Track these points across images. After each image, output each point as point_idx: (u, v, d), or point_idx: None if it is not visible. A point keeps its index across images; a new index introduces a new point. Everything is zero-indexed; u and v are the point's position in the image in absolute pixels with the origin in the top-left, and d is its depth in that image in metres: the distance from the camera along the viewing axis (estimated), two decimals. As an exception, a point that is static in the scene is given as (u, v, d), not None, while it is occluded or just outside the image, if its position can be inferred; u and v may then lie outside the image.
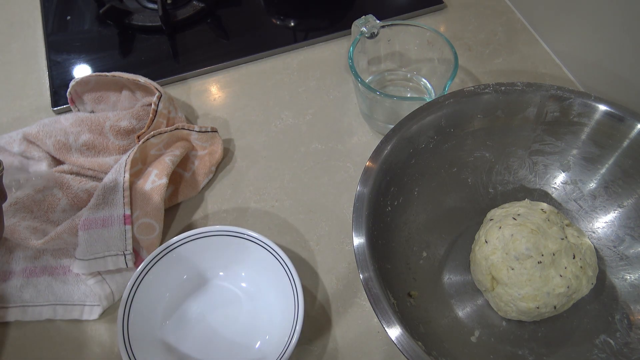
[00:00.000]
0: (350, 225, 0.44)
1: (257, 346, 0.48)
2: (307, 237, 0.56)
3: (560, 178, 0.54)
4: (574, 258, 0.46)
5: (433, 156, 0.52)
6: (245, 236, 0.50)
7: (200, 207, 0.58)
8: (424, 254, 0.51)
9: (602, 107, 0.50)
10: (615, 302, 0.48)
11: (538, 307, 0.45)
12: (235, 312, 0.50)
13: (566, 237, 0.47)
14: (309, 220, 0.57)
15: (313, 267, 0.54)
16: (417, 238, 0.51)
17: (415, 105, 0.51)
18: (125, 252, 0.50)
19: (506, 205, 0.51)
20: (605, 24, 0.60)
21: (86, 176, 0.57)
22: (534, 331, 0.48)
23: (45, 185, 0.53)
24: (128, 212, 0.51)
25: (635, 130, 0.49)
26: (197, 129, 0.59)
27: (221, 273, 0.52)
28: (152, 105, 0.58)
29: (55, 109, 0.65)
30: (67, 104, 0.64)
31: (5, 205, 0.51)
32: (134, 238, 0.51)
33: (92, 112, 0.63)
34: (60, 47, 0.71)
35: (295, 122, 0.65)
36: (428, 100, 0.52)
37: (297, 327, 0.45)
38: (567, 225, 0.49)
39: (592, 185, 0.52)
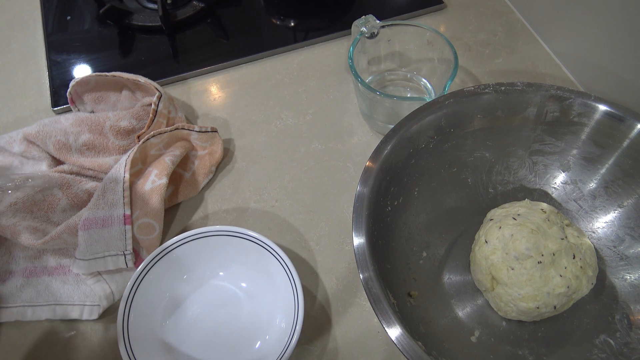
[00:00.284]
0: (350, 225, 0.44)
1: (257, 346, 0.48)
2: (307, 237, 0.56)
3: (560, 178, 0.54)
4: (574, 258, 0.46)
5: (433, 156, 0.52)
6: (245, 236, 0.50)
7: (200, 207, 0.58)
8: (424, 254, 0.51)
9: (602, 107, 0.50)
10: (615, 302, 0.48)
11: (538, 307, 0.45)
12: (235, 312, 0.50)
13: (566, 237, 0.47)
14: (309, 220, 0.57)
15: (313, 267, 0.54)
16: (417, 238, 0.51)
17: (415, 105, 0.51)
18: (125, 252, 0.50)
19: (506, 205, 0.51)
20: (606, 24, 0.60)
21: (86, 176, 0.57)
22: (534, 331, 0.48)
23: (45, 185, 0.53)
24: (128, 212, 0.51)
25: (635, 130, 0.49)
26: (197, 129, 0.59)
27: (221, 273, 0.52)
28: (152, 105, 0.58)
29: (55, 109, 0.65)
30: (67, 104, 0.64)
31: (5, 205, 0.51)
32: (134, 238, 0.51)
33: (92, 112, 0.63)
34: (60, 47, 0.71)
35: (295, 122, 0.65)
36: (428, 100, 0.52)
37: (297, 327, 0.45)
38: (567, 225, 0.49)
39: (592, 185, 0.52)
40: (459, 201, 0.54)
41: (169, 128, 0.57)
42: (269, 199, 0.58)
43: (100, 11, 0.70)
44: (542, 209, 0.49)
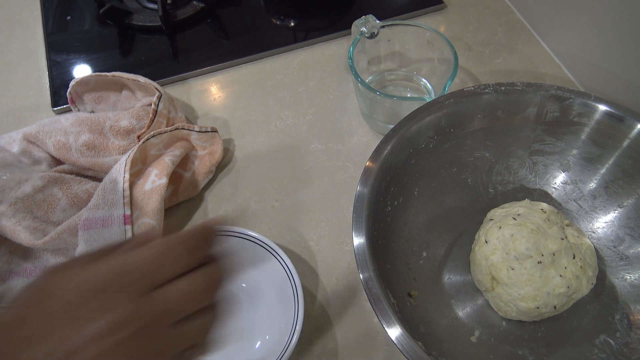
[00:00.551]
0: (350, 225, 0.44)
1: (257, 346, 0.48)
2: (307, 237, 0.56)
3: (560, 178, 0.54)
4: (574, 258, 0.46)
5: (433, 156, 0.52)
6: (245, 236, 0.50)
7: (200, 207, 0.58)
8: (424, 254, 0.51)
9: (602, 107, 0.50)
10: (615, 302, 0.48)
11: (538, 307, 0.45)
12: (235, 312, 0.50)
13: (566, 237, 0.47)
14: (309, 220, 0.57)
15: (313, 267, 0.54)
16: (417, 238, 0.51)
17: (415, 105, 0.51)
18: (125, 252, 0.50)
19: (506, 205, 0.51)
20: (606, 24, 0.60)
21: (86, 176, 0.57)
22: (534, 331, 0.48)
23: (45, 185, 0.53)
24: (128, 212, 0.51)
25: (635, 130, 0.49)
26: (197, 129, 0.59)
27: (221, 273, 0.52)
28: (152, 105, 0.57)
29: (55, 109, 0.65)
30: (67, 104, 0.64)
31: (5, 205, 0.51)
32: (134, 238, 0.51)
33: (92, 112, 0.63)
34: (60, 47, 0.71)
35: (295, 122, 0.65)
36: (428, 100, 0.52)
37: (297, 327, 0.45)
38: (567, 225, 0.49)
39: (592, 185, 0.52)
40: (459, 201, 0.54)
41: (169, 128, 0.57)
42: (269, 199, 0.58)
43: (100, 11, 0.70)
44: (542, 209, 0.49)
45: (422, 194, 0.53)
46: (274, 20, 0.75)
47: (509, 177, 0.55)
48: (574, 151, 0.53)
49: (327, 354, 0.49)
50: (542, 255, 0.45)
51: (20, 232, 0.50)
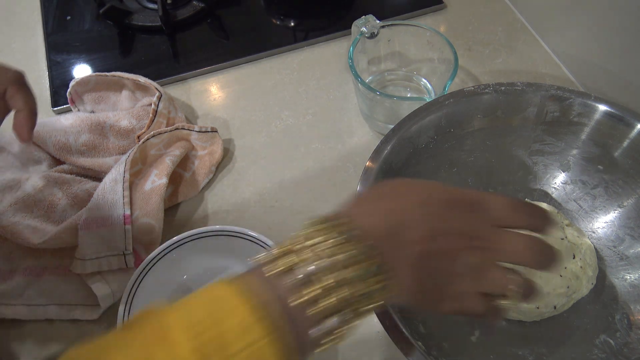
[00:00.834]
0: (350, 225, 0.44)
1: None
2: (307, 237, 0.56)
3: (560, 178, 0.54)
4: (574, 258, 0.46)
5: (433, 156, 0.52)
6: (245, 236, 0.50)
7: (200, 207, 0.58)
8: (424, 254, 0.51)
9: (602, 107, 0.50)
10: (615, 302, 0.48)
11: (538, 307, 0.45)
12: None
13: (566, 237, 0.47)
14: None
15: (313, 267, 0.54)
16: (417, 238, 0.51)
17: (415, 105, 0.51)
18: (125, 252, 0.50)
19: (506, 205, 0.51)
20: (606, 24, 0.60)
21: (86, 176, 0.57)
22: (534, 331, 0.48)
23: (45, 185, 0.53)
24: (128, 212, 0.51)
25: (635, 130, 0.49)
26: (197, 129, 0.59)
27: (221, 273, 0.52)
28: (152, 105, 0.58)
29: (55, 109, 0.65)
30: (67, 104, 0.64)
31: (5, 205, 0.51)
32: (134, 238, 0.51)
33: (92, 112, 0.63)
34: (60, 47, 0.71)
35: (295, 122, 0.65)
36: (428, 100, 0.52)
37: (297, 327, 0.45)
38: (567, 225, 0.49)
39: (592, 185, 0.52)
40: (459, 201, 0.54)
41: (169, 128, 0.57)
42: (269, 199, 0.58)
43: (100, 11, 0.70)
44: (542, 209, 0.49)
45: (422, 194, 0.52)
46: (274, 20, 0.75)
47: (509, 177, 0.55)
48: (574, 151, 0.53)
49: (327, 354, 0.49)
50: (542, 255, 0.45)
51: (21, 232, 0.50)
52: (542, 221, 0.35)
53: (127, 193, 0.52)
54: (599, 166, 0.52)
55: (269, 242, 0.49)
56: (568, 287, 0.45)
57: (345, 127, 0.64)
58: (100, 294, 0.50)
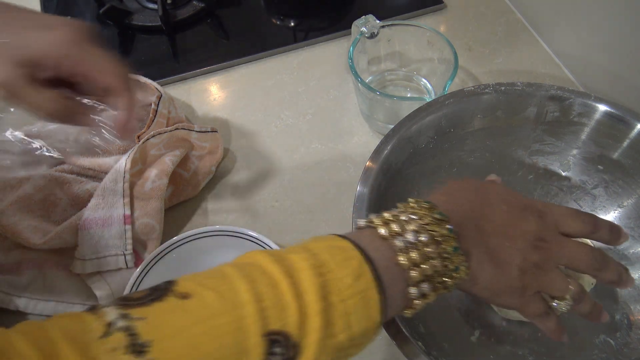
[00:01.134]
0: (351, 226, 0.44)
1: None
2: (307, 237, 0.55)
3: (560, 178, 0.54)
4: (574, 258, 0.46)
5: (433, 156, 0.52)
6: (245, 236, 0.50)
7: (200, 207, 0.58)
8: (424, 254, 0.51)
9: (602, 107, 0.50)
10: (615, 302, 0.48)
11: (538, 307, 0.45)
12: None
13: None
14: (309, 220, 0.57)
15: (313, 267, 0.54)
16: (417, 238, 0.51)
17: (415, 105, 0.51)
18: (125, 252, 0.50)
19: (506, 205, 0.51)
20: (605, 24, 0.60)
21: (86, 176, 0.57)
22: (534, 331, 0.48)
23: (45, 184, 0.53)
24: (128, 212, 0.51)
25: (635, 130, 0.49)
26: (197, 129, 0.59)
27: (221, 273, 0.52)
28: (152, 105, 0.57)
29: (55, 109, 0.65)
30: (67, 104, 0.63)
31: (5, 205, 0.51)
32: (134, 238, 0.51)
33: (92, 112, 0.63)
34: (60, 47, 0.71)
35: (295, 122, 0.65)
36: (428, 100, 0.52)
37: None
38: (567, 225, 0.49)
39: (592, 185, 0.52)
40: (459, 201, 0.54)
41: (169, 128, 0.57)
42: (269, 199, 0.58)
43: (100, 11, 0.70)
44: (542, 209, 0.49)
45: (422, 194, 0.52)
46: (274, 20, 0.75)
47: (509, 177, 0.55)
48: (574, 151, 0.53)
49: (327, 354, 0.49)
50: (542, 255, 0.45)
51: (21, 232, 0.50)
52: (604, 230, 0.39)
53: (127, 193, 0.52)
54: (599, 166, 0.52)
55: (269, 242, 0.49)
56: (568, 287, 0.45)
57: (345, 127, 0.64)
58: (100, 294, 0.50)
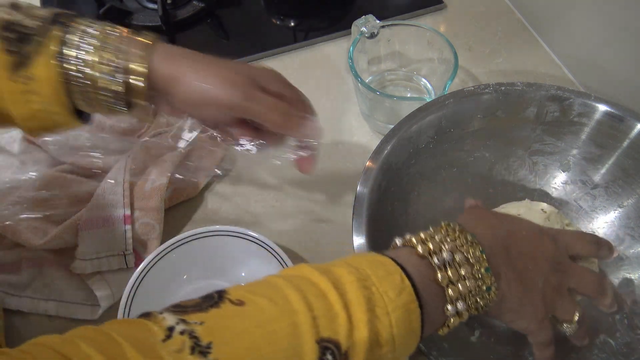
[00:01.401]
0: (350, 226, 0.44)
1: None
2: (307, 237, 0.56)
3: (560, 178, 0.54)
4: (574, 258, 0.46)
5: (433, 156, 0.52)
6: (245, 236, 0.50)
7: (200, 207, 0.58)
8: (424, 254, 0.51)
9: (602, 107, 0.50)
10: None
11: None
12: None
13: (566, 237, 0.47)
14: (308, 220, 0.57)
15: (313, 267, 0.54)
16: (417, 238, 0.51)
17: (415, 105, 0.51)
18: (125, 252, 0.50)
19: (506, 205, 0.51)
20: (606, 24, 0.60)
21: (86, 176, 0.57)
22: (534, 331, 0.48)
23: (45, 184, 0.53)
24: (128, 212, 0.51)
25: (635, 130, 0.49)
26: (197, 129, 0.59)
27: (221, 273, 0.52)
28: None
29: (55, 109, 0.65)
30: (67, 104, 0.63)
31: (5, 205, 0.51)
32: (134, 238, 0.51)
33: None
34: (60, 47, 0.71)
35: (295, 122, 0.64)
36: (428, 100, 0.52)
37: (297, 327, 0.45)
38: (567, 225, 0.49)
39: (592, 185, 0.52)
40: (459, 201, 0.54)
41: (169, 128, 0.57)
42: (269, 199, 0.58)
43: (100, 11, 0.70)
44: (542, 209, 0.49)
45: (422, 194, 0.52)
46: (274, 20, 0.75)
47: (509, 177, 0.55)
48: (574, 151, 0.53)
49: (327, 354, 0.49)
50: (542, 255, 0.45)
51: (21, 232, 0.50)
52: (604, 248, 0.42)
53: (127, 193, 0.52)
54: (599, 166, 0.52)
55: (269, 242, 0.49)
56: (568, 287, 0.45)
57: (345, 127, 0.64)
58: (100, 294, 0.50)
